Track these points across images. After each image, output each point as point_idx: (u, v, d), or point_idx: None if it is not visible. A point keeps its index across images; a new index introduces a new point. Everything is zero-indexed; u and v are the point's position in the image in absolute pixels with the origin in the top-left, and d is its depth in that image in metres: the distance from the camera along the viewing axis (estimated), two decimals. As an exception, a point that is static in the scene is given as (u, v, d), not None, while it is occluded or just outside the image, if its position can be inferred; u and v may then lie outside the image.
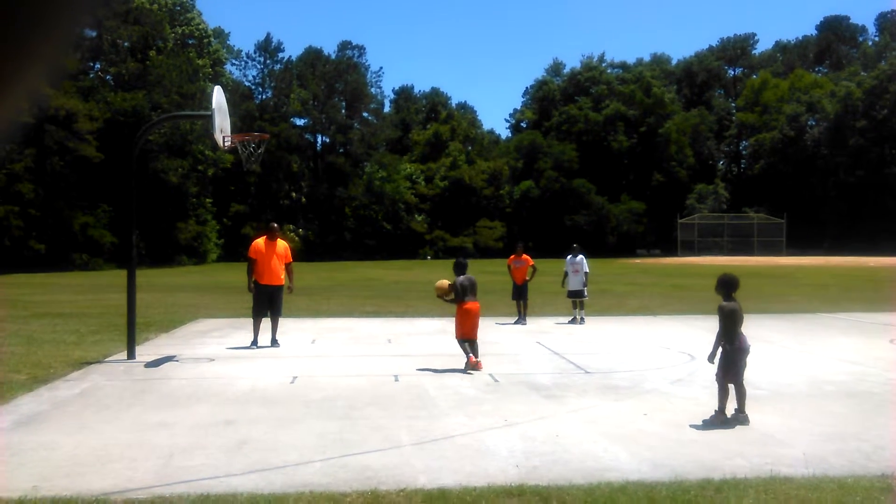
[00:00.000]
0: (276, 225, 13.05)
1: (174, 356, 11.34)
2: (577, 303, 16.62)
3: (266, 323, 12.59)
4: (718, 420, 7.05)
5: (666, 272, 44.40)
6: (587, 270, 16.85)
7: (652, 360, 11.11)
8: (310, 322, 16.28)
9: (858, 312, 18.70)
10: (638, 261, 67.02)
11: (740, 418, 7.06)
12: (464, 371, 9.98)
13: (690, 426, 6.97)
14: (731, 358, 7.12)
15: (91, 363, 10.56)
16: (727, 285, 7.38)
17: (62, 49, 0.85)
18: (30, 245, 46.56)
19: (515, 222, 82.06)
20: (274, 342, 12.50)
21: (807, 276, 37.85)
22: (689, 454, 6.01)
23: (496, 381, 9.39)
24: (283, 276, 12.71)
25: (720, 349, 7.22)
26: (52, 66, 0.85)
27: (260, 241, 12.65)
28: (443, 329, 15.05)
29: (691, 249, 79.57)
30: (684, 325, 15.74)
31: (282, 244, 12.79)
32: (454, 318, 10.83)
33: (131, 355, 11.00)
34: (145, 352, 11.59)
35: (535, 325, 15.94)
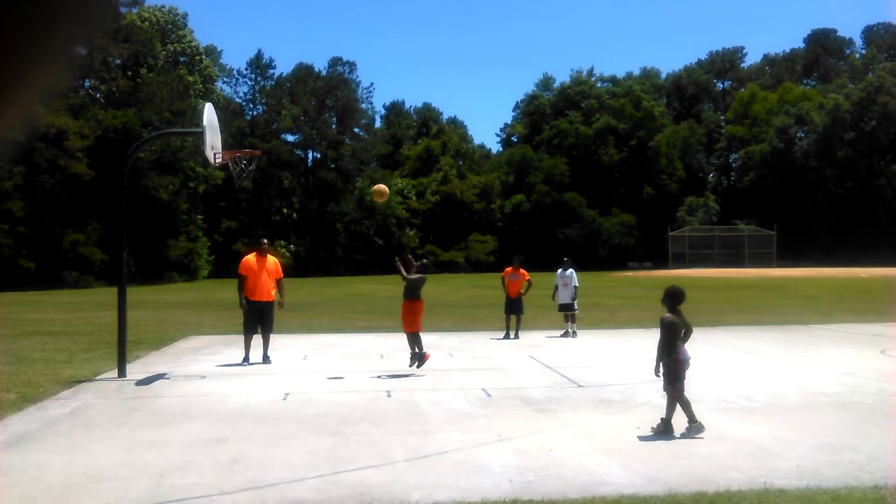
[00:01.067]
0: (265, 241, 12.99)
1: (165, 374, 11.28)
2: (568, 316, 16.62)
3: (257, 339, 12.51)
4: (661, 429, 7.12)
5: (658, 284, 44.44)
6: (577, 284, 16.84)
7: (644, 373, 11.08)
8: (302, 338, 16.24)
9: (850, 323, 18.76)
10: (630, 273, 67.13)
11: (693, 428, 7.10)
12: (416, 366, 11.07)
13: (683, 440, 6.96)
14: (674, 369, 7.22)
15: (82, 382, 10.49)
16: (673, 297, 7.51)
17: (60, 69, 0.85)
18: (19, 263, 46.30)
19: (507, 236, 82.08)
20: (266, 359, 12.41)
21: (798, 288, 37.98)
22: (682, 467, 6.00)
23: (489, 395, 9.37)
24: (273, 293, 12.65)
25: (662, 362, 7.32)
26: (49, 85, 0.85)
27: (251, 258, 12.58)
28: (434, 344, 15.04)
29: (682, 262, 79.71)
30: (677, 338, 15.74)
31: (272, 260, 12.75)
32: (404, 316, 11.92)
33: (122, 373, 10.94)
34: (136, 370, 11.53)
35: (528, 339, 15.93)
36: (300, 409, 8.50)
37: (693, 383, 10.03)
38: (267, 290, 12.46)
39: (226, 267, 62.28)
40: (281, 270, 12.92)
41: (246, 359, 12.32)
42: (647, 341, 15.24)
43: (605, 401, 8.93)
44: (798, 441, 6.88)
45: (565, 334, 16.38)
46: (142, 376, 10.97)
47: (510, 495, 5.29)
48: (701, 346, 14.33)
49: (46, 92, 0.87)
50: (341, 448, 6.71)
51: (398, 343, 15.18)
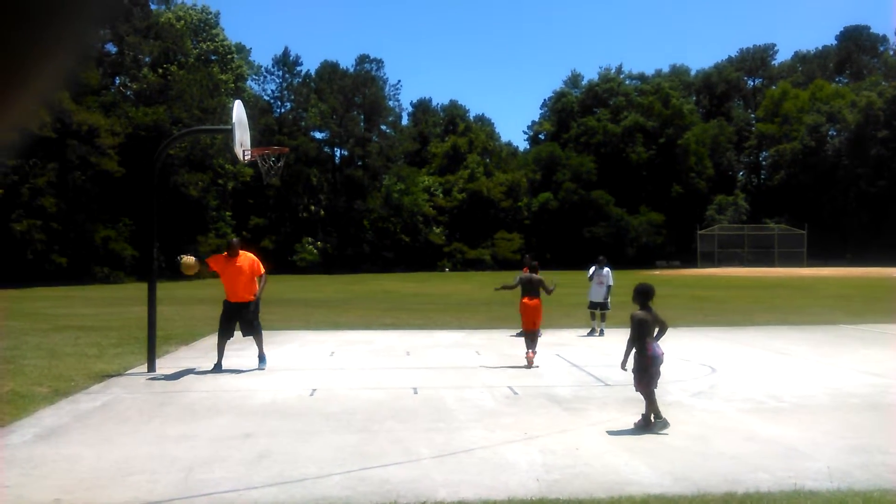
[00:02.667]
0: (235, 240, 12.14)
1: (194, 369, 11.38)
2: (596, 314, 16.51)
3: (243, 343, 11.74)
4: (641, 424, 7.32)
5: (686, 283, 44.14)
6: (611, 283, 16.69)
7: (672, 373, 11.02)
8: (328, 334, 16.29)
9: (881, 324, 18.49)
10: (657, 272, 66.67)
11: (658, 423, 7.27)
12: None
13: (712, 439, 6.91)
14: (644, 365, 7.39)
15: (112, 376, 10.61)
16: (643, 294, 7.62)
17: (75, 58, 0.85)
18: (52, 258, 46.98)
19: (534, 234, 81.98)
20: (261, 360, 11.72)
21: (828, 288, 37.50)
22: (711, 467, 5.95)
23: (515, 393, 9.35)
24: (253, 292, 11.73)
25: (632, 357, 7.54)
26: (65, 75, 0.85)
27: (217, 258, 11.87)
28: (461, 342, 15.05)
29: (711, 261, 79.13)
30: (704, 337, 15.63)
31: (247, 258, 11.78)
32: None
33: (152, 368, 11.06)
34: (165, 365, 11.65)
35: (555, 337, 15.86)
36: (327, 406, 8.53)
37: (721, 383, 9.97)
38: (241, 290, 11.60)
39: (254, 263, 62.67)
40: (261, 267, 11.89)
41: (218, 365, 11.42)
42: (676, 340, 15.13)
43: (632, 400, 8.86)
44: (828, 442, 6.79)
45: (591, 332, 16.28)
46: (171, 371, 11.08)
47: (537, 494, 5.27)
48: (730, 346, 14.22)
49: (64, 81, 0.87)
50: (368, 444, 6.72)
51: (424, 340, 15.23)
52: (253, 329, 11.69)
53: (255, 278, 11.76)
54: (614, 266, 19.11)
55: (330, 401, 8.83)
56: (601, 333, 16.15)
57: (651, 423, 7.28)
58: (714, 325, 18.16)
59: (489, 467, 5.98)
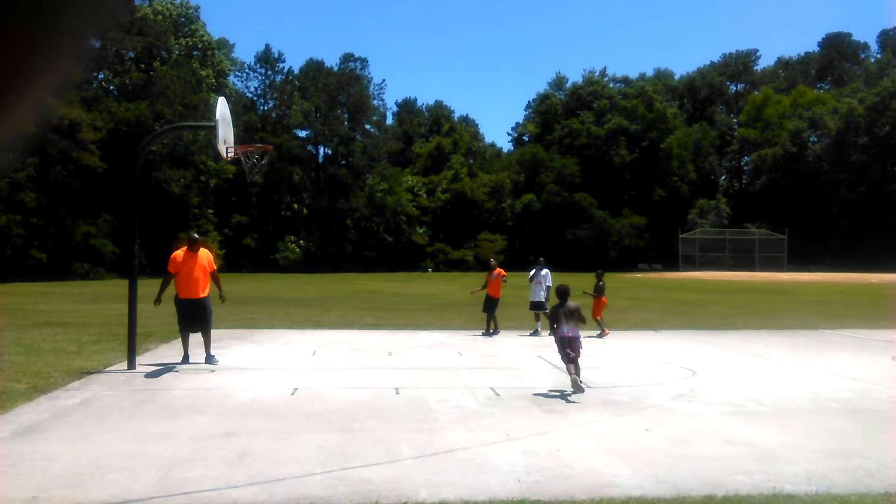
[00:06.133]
0: (197, 235, 12.18)
1: (174, 366, 11.31)
2: (541, 315, 16.80)
3: (197, 338, 11.76)
4: (574, 388, 9.13)
5: (667, 287, 44.39)
6: (549, 284, 17.05)
7: (653, 375, 11.09)
8: (310, 333, 16.24)
9: (860, 329, 18.67)
10: (639, 275, 67.01)
11: (576, 388, 9.11)
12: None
13: (692, 442, 6.94)
14: (559, 344, 9.57)
15: (91, 373, 10.54)
16: (560, 294, 9.81)
17: (74, 60, 0.84)
18: (31, 254, 46.60)
19: (517, 236, 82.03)
20: (209, 358, 11.68)
21: (808, 292, 37.82)
22: (691, 470, 5.98)
23: (497, 394, 9.36)
24: (207, 289, 11.76)
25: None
26: (63, 77, 0.84)
27: (179, 253, 11.75)
28: (443, 342, 15.05)
29: (693, 264, 79.52)
30: (686, 340, 15.71)
31: (204, 254, 11.83)
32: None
33: (132, 365, 10.98)
34: (145, 362, 11.57)
35: (537, 339, 15.92)
36: (309, 405, 8.51)
37: (702, 386, 10.03)
38: (199, 286, 11.55)
39: (236, 261, 62.57)
40: (214, 263, 11.99)
41: (185, 357, 11.64)
42: (657, 343, 15.23)
43: (613, 402, 8.91)
44: (807, 446, 6.84)
45: (534, 333, 16.55)
46: (151, 368, 11.02)
47: (518, 495, 5.28)
48: (711, 349, 14.31)
49: (60, 84, 0.86)
50: (349, 444, 6.71)
51: (406, 340, 15.22)
52: (207, 327, 11.72)
53: (209, 274, 11.76)
54: (596, 269, 19.28)
55: (311, 400, 8.81)
56: (535, 333, 16.55)
57: (580, 387, 9.10)
58: (695, 329, 18.27)
59: (471, 468, 5.98)
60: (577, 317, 9.51)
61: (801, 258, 76.24)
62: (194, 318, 11.56)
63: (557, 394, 9.40)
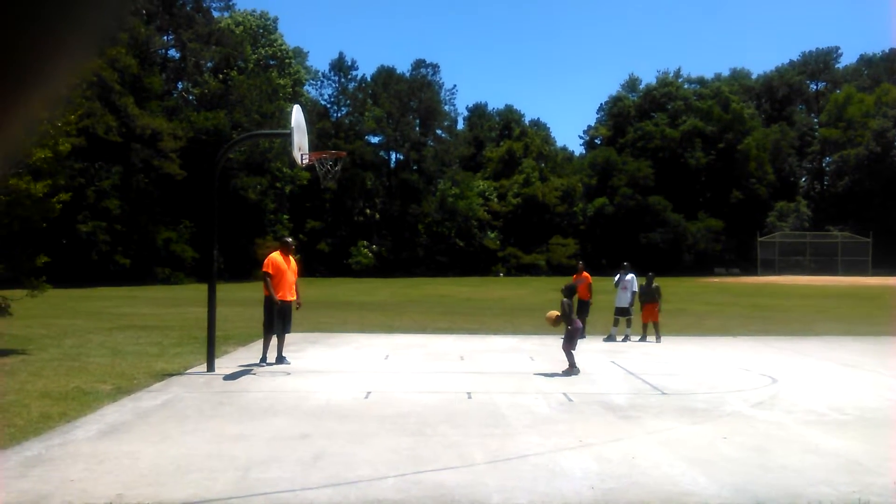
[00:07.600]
0: (291, 240, 12.65)
1: (252, 369, 11.55)
2: (621, 320, 16.55)
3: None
4: (570, 372, 11.20)
5: (745, 292, 43.29)
6: (635, 289, 16.72)
7: (731, 382, 10.82)
8: (383, 338, 16.37)
9: (952, 336, 17.86)
10: (716, 280, 65.49)
11: (574, 371, 11.28)
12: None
13: (773, 451, 6.74)
14: (570, 333, 11.36)
15: (172, 375, 10.83)
16: (569, 291, 11.71)
17: (89, 49, 0.84)
18: (115, 259, 48.25)
19: (589, 240, 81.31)
20: (281, 359, 12.10)
21: (894, 297, 36.38)
22: (771, 480, 5.81)
23: (570, 400, 9.27)
24: (295, 293, 12.27)
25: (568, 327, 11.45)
26: (78, 66, 0.85)
27: (277, 256, 12.13)
28: (516, 347, 14.99)
29: (772, 269, 77.40)
30: (765, 347, 15.30)
31: (294, 259, 12.37)
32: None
33: (211, 368, 11.25)
34: (224, 364, 11.84)
35: (610, 344, 15.73)
36: (382, 408, 8.57)
37: (782, 394, 9.73)
38: (292, 289, 12.11)
39: (310, 266, 63.53)
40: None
41: (263, 359, 12.02)
42: (734, 350, 14.86)
43: (690, 409, 8.72)
44: (894, 457, 6.58)
45: (609, 338, 16.36)
46: (229, 371, 11.26)
47: (591, 502, 5.21)
48: (791, 356, 13.89)
49: (76, 73, 0.87)
50: (422, 448, 6.73)
51: (478, 345, 15.21)
52: (290, 329, 12.34)
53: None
54: (671, 273, 18.90)
55: (384, 404, 8.87)
56: (625, 339, 16.34)
57: (577, 370, 11.22)
58: (775, 335, 17.77)
59: (543, 474, 5.93)
60: (585, 311, 12.23)
61: (887, 262, 73.31)
62: (285, 320, 12.10)
63: (629, 399, 9.25)
